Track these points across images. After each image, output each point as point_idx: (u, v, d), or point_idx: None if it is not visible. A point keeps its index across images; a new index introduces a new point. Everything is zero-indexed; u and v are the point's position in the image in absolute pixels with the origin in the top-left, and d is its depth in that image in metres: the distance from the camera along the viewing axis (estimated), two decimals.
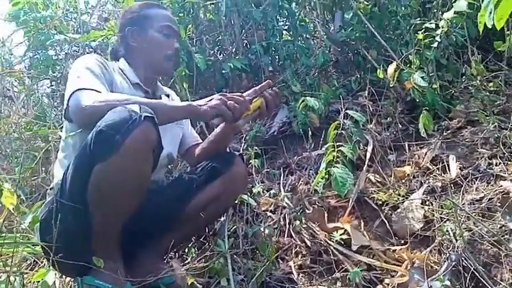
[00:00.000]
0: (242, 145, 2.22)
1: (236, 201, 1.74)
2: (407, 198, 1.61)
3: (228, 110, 1.26)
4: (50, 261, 1.09)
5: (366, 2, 2.38)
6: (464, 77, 2.07)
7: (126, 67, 1.52)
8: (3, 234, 1.08)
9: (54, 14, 3.05)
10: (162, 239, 1.44)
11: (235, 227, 1.68)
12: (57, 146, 2.25)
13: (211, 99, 1.28)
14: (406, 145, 1.89)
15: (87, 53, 2.88)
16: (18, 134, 2.63)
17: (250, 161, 2.00)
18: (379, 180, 1.77)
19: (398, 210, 1.56)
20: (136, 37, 1.54)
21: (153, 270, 1.31)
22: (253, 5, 2.59)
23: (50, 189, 1.30)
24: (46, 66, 2.97)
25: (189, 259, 1.62)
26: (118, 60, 1.56)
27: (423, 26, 1.90)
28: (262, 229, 1.56)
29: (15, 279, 1.06)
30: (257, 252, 1.57)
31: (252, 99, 1.36)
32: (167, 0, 2.56)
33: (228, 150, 1.74)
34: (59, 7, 3.41)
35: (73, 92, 1.23)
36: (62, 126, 2.41)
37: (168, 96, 1.67)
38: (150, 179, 1.26)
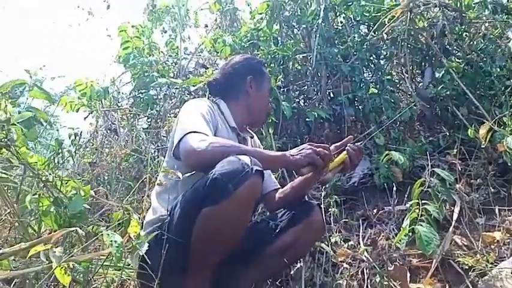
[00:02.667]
0: (322, 193, 2.25)
1: (313, 249, 1.77)
2: (496, 265, 1.52)
3: (319, 158, 1.33)
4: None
5: (458, 60, 2.37)
6: None
7: (226, 111, 1.65)
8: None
9: (158, 59, 3.42)
10: (243, 278, 1.51)
11: (310, 274, 1.71)
12: (152, 178, 2.48)
13: (302, 149, 1.37)
14: (497, 209, 1.81)
15: (185, 95, 3.15)
16: (116, 164, 2.92)
17: (329, 209, 2.02)
18: (466, 243, 1.70)
19: (486, 277, 1.48)
20: (254, 88, 1.69)
21: None
22: (341, 58, 2.70)
23: (158, 226, 1.39)
24: (146, 104, 3.30)
25: None
26: (215, 99, 1.70)
27: None
28: (341, 281, 1.56)
29: None
30: None
31: (336, 153, 1.43)
32: (261, 52, 2.76)
33: (306, 198, 1.79)
34: (162, 52, 3.81)
35: (185, 134, 1.36)
36: (158, 160, 2.66)
37: (251, 137, 1.79)
38: None
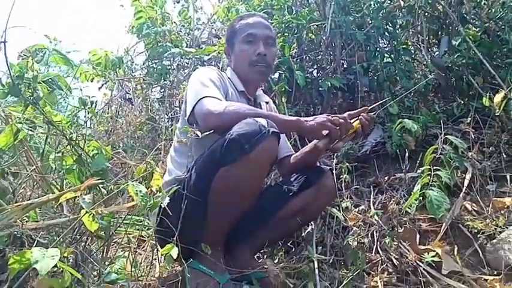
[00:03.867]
0: (333, 161, 2.28)
1: (324, 213, 1.82)
2: (505, 229, 1.55)
3: (333, 126, 1.36)
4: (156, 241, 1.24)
5: (475, 29, 2.33)
6: None
7: (234, 77, 1.69)
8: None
9: (171, 29, 3.42)
10: (256, 237, 1.56)
11: (321, 236, 1.76)
12: (166, 146, 2.54)
13: (317, 117, 1.40)
14: (508, 176, 1.82)
15: (198, 65, 3.16)
16: (131, 133, 2.99)
17: (341, 176, 2.05)
18: (476, 209, 1.73)
19: (494, 240, 1.52)
20: (230, 53, 1.73)
21: (248, 265, 1.44)
22: (356, 27, 2.67)
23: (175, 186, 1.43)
24: (159, 74, 3.32)
25: (276, 261, 1.72)
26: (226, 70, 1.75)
27: None
28: (351, 241, 1.61)
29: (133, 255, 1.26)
30: (343, 263, 1.62)
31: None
32: (275, 21, 2.75)
33: (318, 164, 1.82)
34: (175, 22, 3.81)
35: (200, 99, 1.40)
36: (171, 129, 2.71)
37: (267, 103, 1.81)
38: None
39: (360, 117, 1.49)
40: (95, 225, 0.86)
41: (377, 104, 1.63)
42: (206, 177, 1.31)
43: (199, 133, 1.17)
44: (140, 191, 0.90)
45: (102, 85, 3.41)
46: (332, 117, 1.40)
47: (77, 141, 1.18)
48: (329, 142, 1.41)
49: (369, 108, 1.50)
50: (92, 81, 3.20)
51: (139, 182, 1.06)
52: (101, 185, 1.17)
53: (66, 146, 1.21)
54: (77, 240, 1.17)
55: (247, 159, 1.24)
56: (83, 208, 0.91)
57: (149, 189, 0.97)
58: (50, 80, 1.32)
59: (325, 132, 1.39)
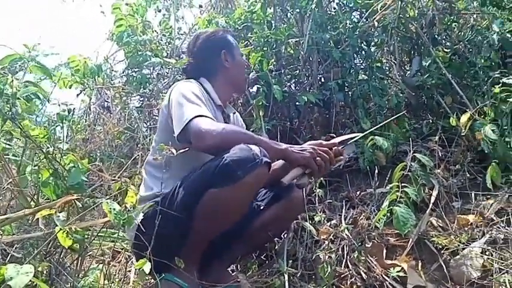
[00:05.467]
0: None
1: (297, 227, 1.87)
2: (467, 246, 1.63)
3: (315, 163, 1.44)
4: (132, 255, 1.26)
5: (446, 50, 2.44)
6: None
7: (211, 89, 1.68)
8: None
9: (152, 38, 3.43)
10: (229, 251, 1.61)
11: (293, 250, 1.81)
12: (143, 156, 2.55)
13: (304, 150, 1.47)
14: (473, 194, 1.91)
15: (178, 75, 3.19)
16: (109, 141, 2.98)
17: (314, 190, 2.10)
18: (441, 225, 1.80)
19: (458, 256, 1.59)
20: (230, 60, 1.74)
21: (221, 278, 1.48)
22: (333, 44, 2.75)
23: (156, 202, 1.39)
24: (139, 83, 3.32)
25: (249, 273, 1.75)
26: (195, 79, 1.69)
27: (501, 80, 1.94)
28: (321, 256, 1.66)
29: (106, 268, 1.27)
30: (313, 277, 1.67)
31: None
32: (254, 35, 2.81)
33: None
34: (155, 31, 3.82)
35: (194, 117, 1.38)
36: (150, 139, 2.72)
37: (234, 113, 1.86)
38: None
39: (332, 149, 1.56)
40: (68, 241, 0.88)
41: (348, 136, 1.69)
42: (194, 196, 1.34)
43: (174, 151, 1.19)
44: (114, 209, 0.92)
45: (81, 92, 3.39)
46: (318, 153, 1.46)
47: (54, 155, 1.20)
48: (311, 177, 1.52)
49: (338, 142, 1.57)
50: (70, 88, 3.19)
51: (115, 197, 1.08)
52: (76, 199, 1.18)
53: (43, 159, 1.22)
54: (51, 254, 1.18)
55: (238, 185, 1.28)
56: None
57: (123, 205, 0.99)
58: (34, 90, 1.33)
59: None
